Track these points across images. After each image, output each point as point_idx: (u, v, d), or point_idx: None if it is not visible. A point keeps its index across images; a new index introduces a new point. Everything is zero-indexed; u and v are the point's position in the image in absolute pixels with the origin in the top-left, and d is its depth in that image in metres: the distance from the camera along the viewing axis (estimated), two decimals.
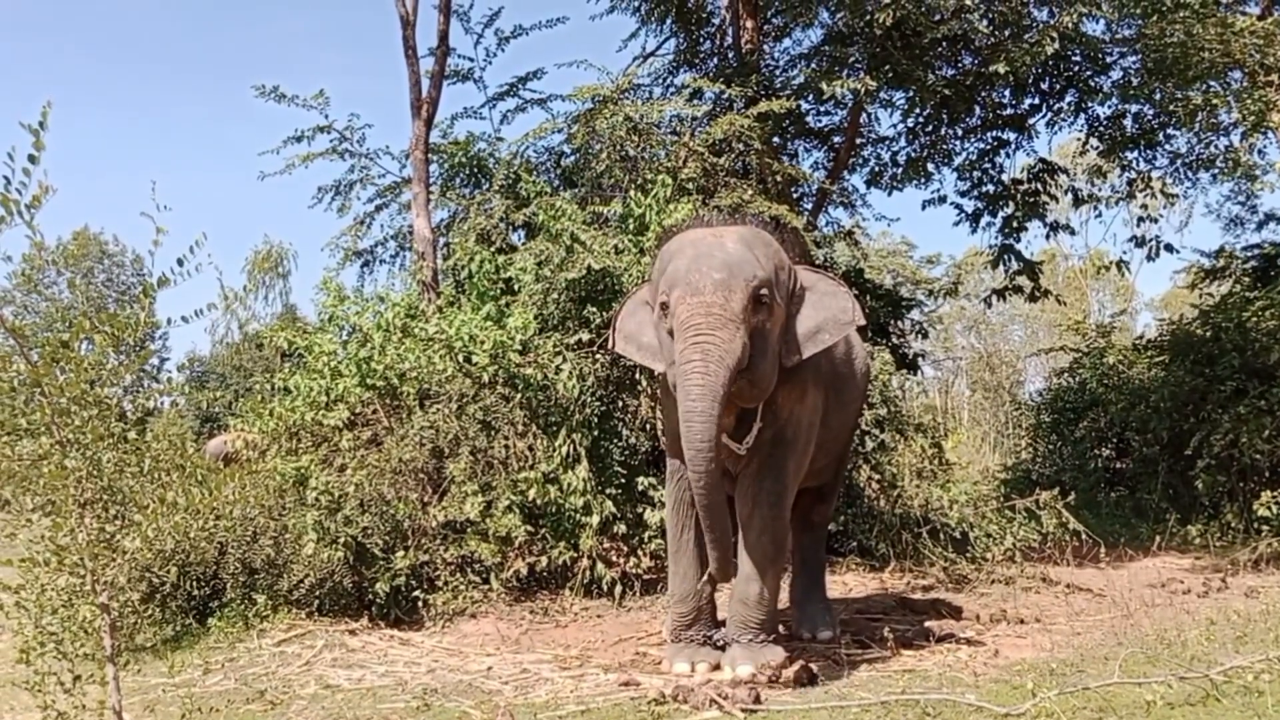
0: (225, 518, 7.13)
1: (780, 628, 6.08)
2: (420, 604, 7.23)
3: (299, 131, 10.51)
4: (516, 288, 8.88)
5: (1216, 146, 11.50)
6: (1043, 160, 12.82)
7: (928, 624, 6.65)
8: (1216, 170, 11.91)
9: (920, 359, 14.22)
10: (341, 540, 7.00)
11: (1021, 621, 6.76)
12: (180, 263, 3.47)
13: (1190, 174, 12.42)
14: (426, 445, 7.74)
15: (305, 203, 11.34)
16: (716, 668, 5.44)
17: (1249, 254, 14.40)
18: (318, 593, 7.03)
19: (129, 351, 3.73)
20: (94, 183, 53.44)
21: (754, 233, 5.32)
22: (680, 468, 5.64)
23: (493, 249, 9.37)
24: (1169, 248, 12.62)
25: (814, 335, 5.33)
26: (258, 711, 5.03)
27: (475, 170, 11.14)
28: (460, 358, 8.12)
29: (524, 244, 9.46)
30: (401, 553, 7.21)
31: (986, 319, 36.70)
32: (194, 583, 7.15)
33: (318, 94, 10.31)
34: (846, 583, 8.61)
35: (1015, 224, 12.63)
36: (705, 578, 5.58)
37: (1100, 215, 13.46)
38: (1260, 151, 10.76)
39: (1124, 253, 12.73)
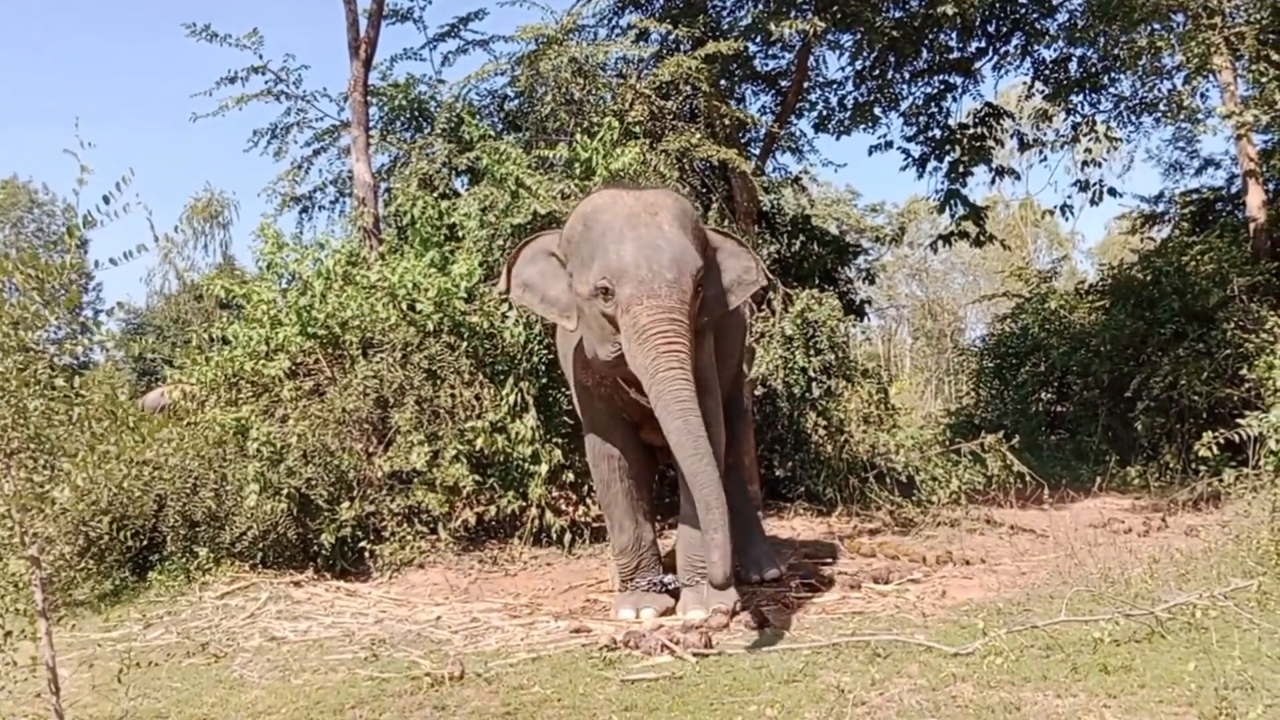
0: (164, 469, 6.99)
1: None
2: (367, 555, 7.15)
3: (232, 72, 10.19)
4: (460, 234, 8.71)
5: (1160, 90, 11.58)
6: (988, 105, 12.82)
7: (875, 566, 6.70)
8: (1160, 114, 12.00)
9: (867, 305, 14.25)
10: (284, 491, 6.90)
11: (967, 563, 6.83)
12: (106, 200, 3.29)
13: (1134, 118, 12.50)
14: (370, 395, 7.62)
15: (249, 153, 10.91)
16: (667, 612, 5.43)
17: (1188, 199, 14.58)
18: (261, 545, 6.92)
19: (55, 296, 3.54)
20: (21, 132, 51.67)
21: (682, 206, 5.39)
22: (595, 420, 5.74)
23: (435, 194, 9.17)
24: (1112, 191, 12.75)
25: (721, 297, 5.48)
26: (200, 665, 4.93)
27: (416, 114, 10.88)
28: (404, 306, 7.97)
29: (468, 189, 9.29)
30: (347, 504, 7.12)
31: (928, 267, 36.99)
32: (132, 536, 6.99)
33: (250, 33, 10.00)
34: (794, 528, 8.66)
35: (961, 169, 12.64)
36: (647, 523, 5.67)
37: (1045, 160, 13.49)
38: (1203, 95, 10.86)
39: (1068, 197, 12.78)
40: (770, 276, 5.68)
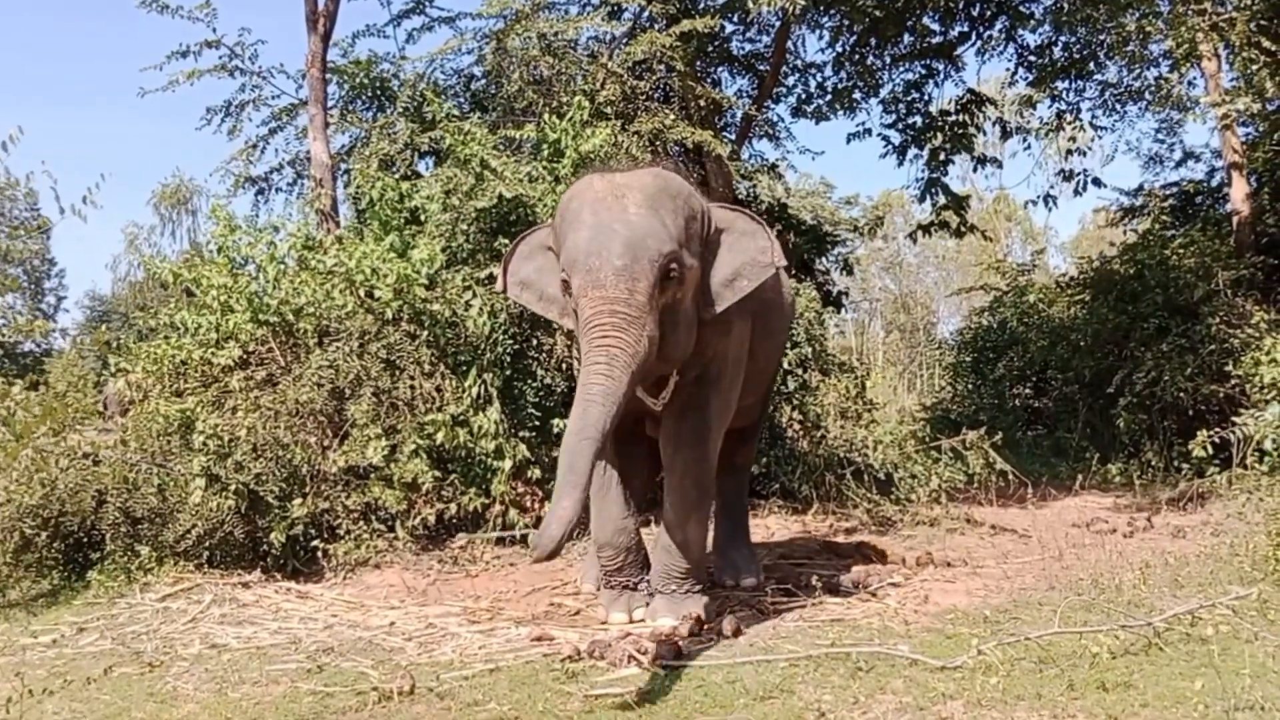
0: (104, 463, 6.66)
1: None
2: (320, 554, 6.79)
3: (184, 46, 9.75)
4: (422, 218, 8.36)
5: (1146, 78, 11.40)
6: (970, 91, 12.60)
7: (854, 569, 6.44)
8: (1146, 102, 11.84)
9: (844, 296, 14.04)
10: (232, 487, 6.53)
11: (949, 564, 6.59)
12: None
13: (1119, 106, 12.33)
14: (325, 386, 7.25)
15: (201, 131, 10.56)
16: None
17: (1168, 191, 14.47)
18: (207, 543, 6.54)
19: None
20: None
21: (661, 184, 4.81)
22: None
23: (397, 176, 8.83)
24: (1097, 181, 12.55)
25: (731, 283, 4.95)
26: (133, 675, 4.58)
27: (378, 92, 10.54)
28: (361, 292, 7.62)
29: (431, 171, 8.97)
30: (299, 500, 6.77)
31: (903, 260, 37.00)
32: (70, 534, 6.64)
33: (204, 4, 9.58)
34: (769, 526, 8.40)
35: (942, 157, 12.43)
36: (633, 517, 5.34)
37: (1029, 148, 13.33)
38: (1190, 83, 10.70)
39: (1051, 187, 12.66)
40: (783, 260, 5.12)
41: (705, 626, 4.87)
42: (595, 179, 4.91)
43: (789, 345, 8.83)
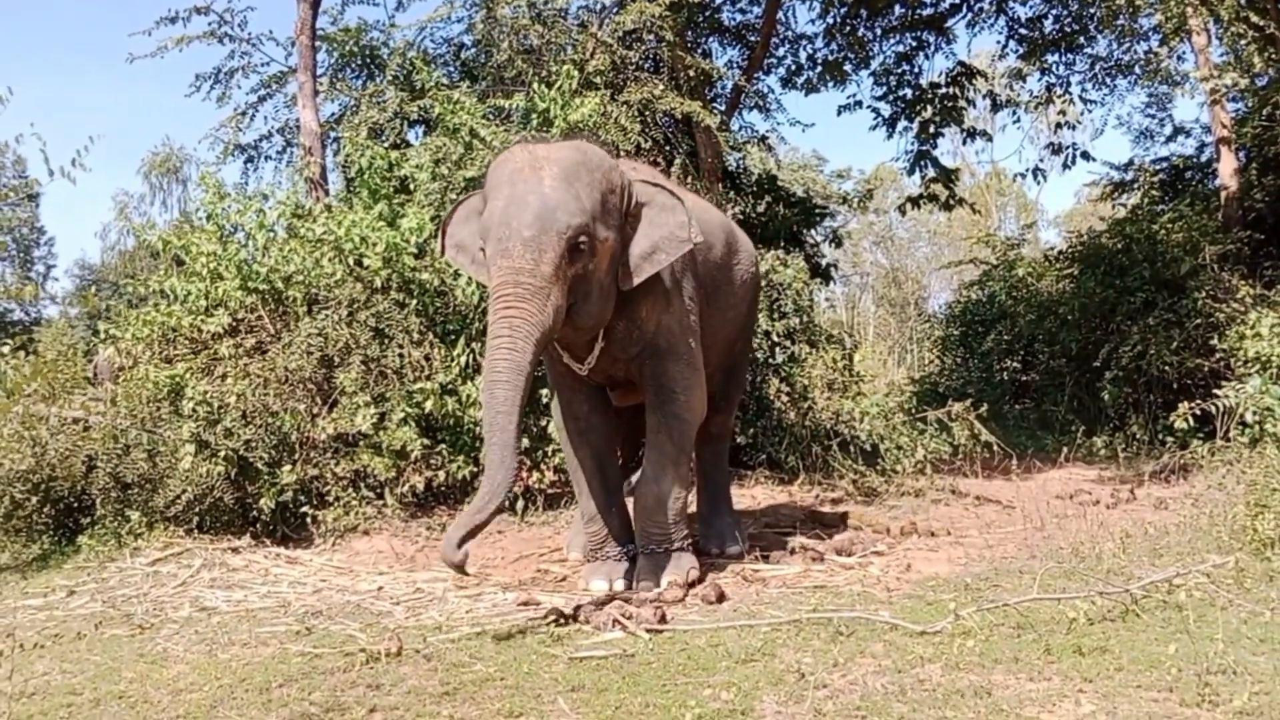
0: (94, 429, 6.71)
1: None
2: (309, 520, 6.85)
3: (173, 12, 9.69)
4: (412, 186, 8.36)
5: (1136, 52, 11.38)
6: (961, 64, 12.56)
7: (838, 537, 6.49)
8: (1135, 76, 11.82)
9: (833, 269, 14.04)
10: (222, 453, 6.59)
11: (932, 534, 6.64)
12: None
13: (1109, 80, 12.31)
14: (314, 354, 7.29)
15: (190, 98, 10.53)
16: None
17: (1158, 166, 14.47)
18: (197, 509, 6.59)
19: None
20: None
21: (580, 157, 4.86)
22: (560, 383, 5.47)
23: (386, 145, 8.83)
24: (1085, 155, 12.56)
25: (650, 256, 5.00)
26: (123, 636, 4.63)
27: (367, 60, 10.51)
28: (351, 260, 7.63)
29: (420, 140, 8.93)
30: (288, 467, 6.82)
31: (893, 235, 36.97)
32: (60, 499, 6.70)
33: None
34: (755, 496, 8.45)
35: (932, 129, 12.42)
36: (617, 491, 5.45)
37: (1018, 121, 13.34)
38: (1179, 58, 10.69)
39: (1040, 160, 12.66)
40: (700, 237, 5.16)
41: (689, 591, 4.92)
42: (519, 150, 4.95)
43: (777, 318, 8.86)
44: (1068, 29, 11.65)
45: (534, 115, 8.20)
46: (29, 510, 6.66)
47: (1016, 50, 12.21)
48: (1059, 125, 12.55)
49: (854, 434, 9.14)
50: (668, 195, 5.17)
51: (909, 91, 12.59)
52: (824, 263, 13.15)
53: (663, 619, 4.43)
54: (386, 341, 7.45)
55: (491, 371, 4.43)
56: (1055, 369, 12.76)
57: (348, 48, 10.43)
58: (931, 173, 12.66)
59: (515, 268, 4.48)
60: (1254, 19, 8.84)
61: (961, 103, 12.44)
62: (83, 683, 3.95)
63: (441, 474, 7.33)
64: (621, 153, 7.74)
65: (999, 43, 12.72)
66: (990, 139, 13.79)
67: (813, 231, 13.00)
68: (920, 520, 6.97)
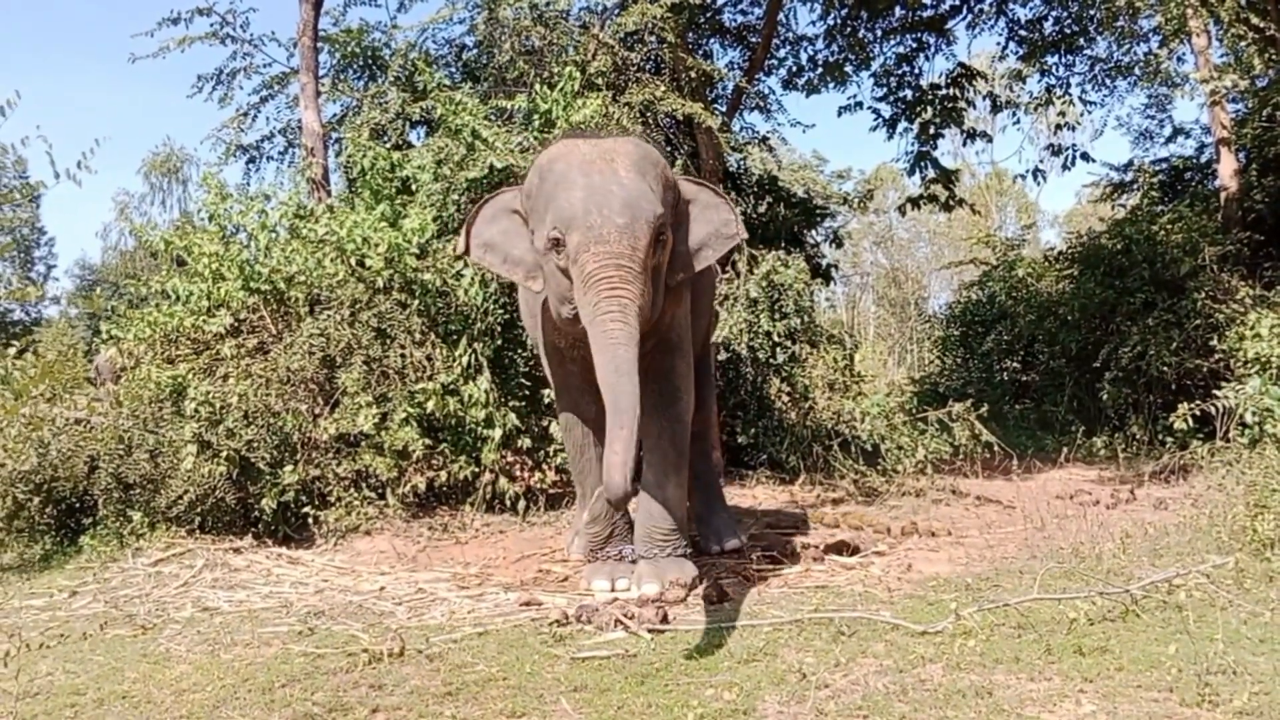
0: (96, 429, 6.72)
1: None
2: (311, 521, 6.86)
3: (175, 13, 9.71)
4: (414, 187, 8.36)
5: (1136, 53, 11.39)
6: (961, 65, 12.58)
7: (839, 537, 6.50)
8: (1135, 77, 11.83)
9: (834, 270, 14.05)
10: (224, 454, 6.60)
11: (933, 534, 6.65)
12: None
13: (1109, 81, 12.32)
14: (316, 354, 7.31)
15: (192, 99, 10.61)
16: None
17: (1158, 167, 14.47)
18: (199, 509, 6.62)
19: None
20: None
21: (642, 152, 4.92)
22: (568, 384, 5.44)
23: (388, 145, 8.83)
24: (1085, 156, 12.56)
25: (698, 253, 5.07)
26: (126, 637, 4.64)
27: (369, 61, 10.52)
28: (353, 261, 7.64)
29: (422, 141, 8.94)
30: (290, 467, 6.83)
31: (894, 235, 36.96)
32: (62, 499, 6.72)
33: None
34: (756, 496, 8.46)
35: (932, 130, 12.43)
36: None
37: (1018, 122, 13.36)
38: (1179, 59, 10.70)
39: (1040, 161, 12.69)
40: (745, 233, 5.22)
41: (690, 591, 4.93)
42: (579, 143, 4.95)
43: (778, 318, 8.87)
44: (1068, 30, 11.66)
45: (536, 116, 8.22)
46: (32, 511, 6.68)
47: (1016, 51, 12.24)
48: (1059, 126, 12.56)
49: (855, 434, 9.14)
50: (711, 193, 5.24)
51: (909, 92, 12.61)
52: (824, 263, 13.16)
53: (665, 619, 4.44)
54: (388, 342, 7.46)
55: (609, 337, 4.36)
56: (1055, 369, 12.77)
57: (350, 49, 10.44)
58: (932, 173, 12.67)
59: (614, 252, 4.46)
60: (1254, 20, 8.84)
61: (961, 104, 12.45)
62: (86, 683, 3.96)
63: (443, 474, 7.34)
64: None
65: (999, 44, 12.77)
66: (990, 140, 13.80)
67: (813, 232, 13.02)
68: (921, 520, 6.98)
